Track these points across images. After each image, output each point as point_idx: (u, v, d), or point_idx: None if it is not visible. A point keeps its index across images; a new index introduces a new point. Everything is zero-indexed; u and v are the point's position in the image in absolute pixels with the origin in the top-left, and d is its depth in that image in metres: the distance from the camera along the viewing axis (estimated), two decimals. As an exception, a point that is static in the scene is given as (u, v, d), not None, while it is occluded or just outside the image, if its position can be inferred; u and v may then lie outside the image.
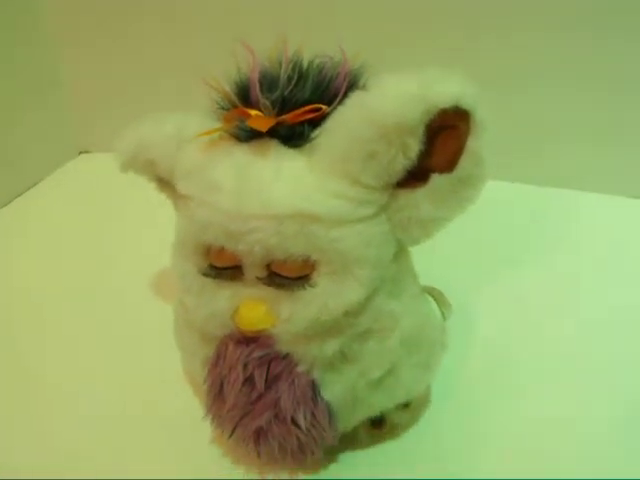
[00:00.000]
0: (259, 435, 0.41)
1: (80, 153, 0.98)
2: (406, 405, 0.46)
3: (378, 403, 0.42)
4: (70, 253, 0.73)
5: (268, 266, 0.38)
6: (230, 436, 0.42)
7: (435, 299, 0.49)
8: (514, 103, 0.74)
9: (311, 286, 0.38)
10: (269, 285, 0.39)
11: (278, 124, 0.37)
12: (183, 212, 0.41)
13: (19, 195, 0.87)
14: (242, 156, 0.38)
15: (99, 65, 0.89)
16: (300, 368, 0.40)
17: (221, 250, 0.38)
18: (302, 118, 0.37)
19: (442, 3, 0.73)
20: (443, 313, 0.49)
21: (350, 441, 0.46)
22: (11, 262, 0.73)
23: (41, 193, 0.88)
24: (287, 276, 0.38)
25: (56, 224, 0.80)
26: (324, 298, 0.38)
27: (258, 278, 0.39)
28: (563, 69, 0.73)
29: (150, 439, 0.48)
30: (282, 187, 0.36)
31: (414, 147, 0.35)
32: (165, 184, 0.47)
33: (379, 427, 0.46)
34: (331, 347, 0.39)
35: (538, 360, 0.54)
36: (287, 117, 0.37)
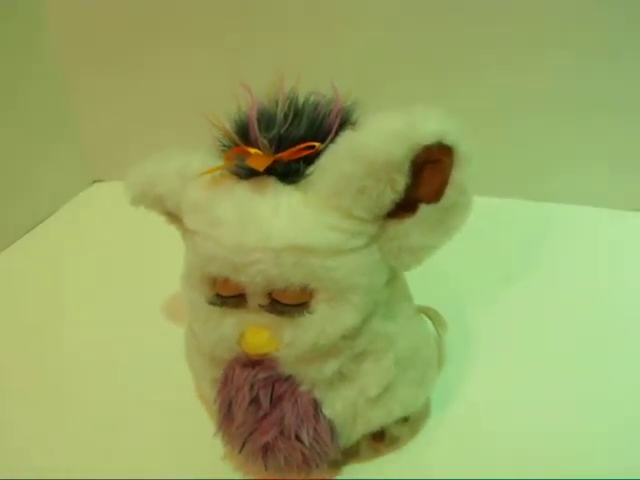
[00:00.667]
0: (266, 450, 0.43)
1: (94, 182, 1.00)
2: (405, 419, 0.49)
3: (377, 419, 0.45)
4: (86, 280, 0.76)
5: (269, 294, 0.41)
6: (240, 452, 0.44)
7: (430, 318, 0.51)
8: (510, 119, 0.76)
9: (310, 312, 0.40)
10: (271, 312, 0.41)
11: (275, 162, 0.40)
12: (190, 245, 0.44)
13: (36, 226, 0.88)
14: (242, 193, 0.41)
15: (110, 97, 0.91)
16: (302, 388, 0.43)
17: (226, 280, 0.41)
18: (297, 155, 0.40)
19: (431, 40, 0.75)
20: (438, 331, 0.51)
21: (353, 454, 0.48)
22: (28, 292, 0.75)
23: (57, 223, 0.90)
24: (287, 303, 0.41)
25: (72, 253, 0.82)
26: (322, 323, 0.40)
27: (261, 306, 0.41)
28: (557, 86, 0.75)
29: (165, 456, 0.51)
30: (280, 222, 0.39)
31: (401, 181, 0.38)
32: (174, 217, 0.50)
33: (380, 440, 0.49)
34: (330, 368, 0.42)
35: (536, 374, 0.55)
36: (284, 155, 0.40)
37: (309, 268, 0.39)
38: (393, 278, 0.44)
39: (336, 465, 0.48)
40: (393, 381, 0.44)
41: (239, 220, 0.40)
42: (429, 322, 0.51)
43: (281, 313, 0.41)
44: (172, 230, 0.53)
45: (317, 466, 0.44)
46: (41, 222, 0.89)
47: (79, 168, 0.96)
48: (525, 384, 0.55)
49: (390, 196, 0.38)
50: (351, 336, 0.42)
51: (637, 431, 0.50)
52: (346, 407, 0.43)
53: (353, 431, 0.45)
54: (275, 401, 0.43)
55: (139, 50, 0.87)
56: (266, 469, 0.44)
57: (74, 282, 0.76)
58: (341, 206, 0.39)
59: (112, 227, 0.85)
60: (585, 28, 0.72)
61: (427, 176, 0.39)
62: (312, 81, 0.43)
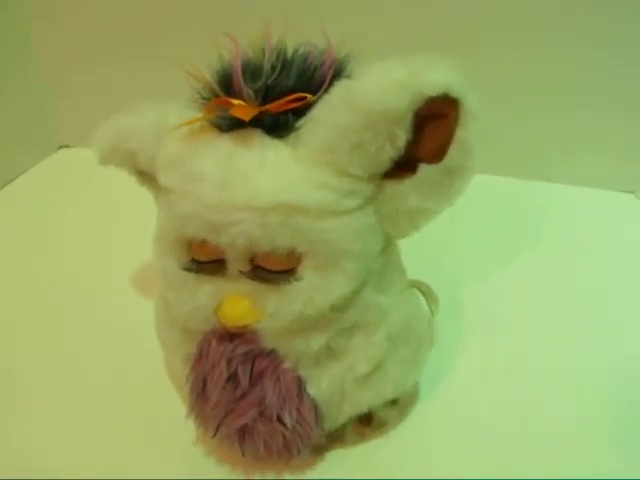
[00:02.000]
0: (244, 433, 0.40)
1: (60, 147, 0.96)
2: (394, 402, 0.45)
3: (365, 400, 0.41)
4: (50, 248, 0.72)
5: (252, 260, 0.37)
6: (214, 435, 0.41)
7: (423, 293, 0.48)
8: (507, 97, 0.73)
9: (296, 280, 0.37)
10: (253, 279, 0.37)
11: (262, 113, 0.36)
12: (164, 205, 0.40)
13: (-1, 189, 0.85)
14: (225, 146, 0.37)
15: (79, 58, 0.87)
16: (285, 364, 0.39)
17: (203, 243, 0.37)
18: (286, 107, 0.36)
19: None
20: (431, 308, 0.48)
21: (337, 439, 0.45)
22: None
23: (21, 187, 0.86)
24: (272, 270, 0.37)
25: (36, 219, 0.79)
26: (310, 292, 0.37)
27: (241, 272, 0.37)
28: (556, 66, 0.73)
29: (131, 439, 0.47)
30: (266, 178, 0.35)
31: (402, 136, 0.34)
32: (146, 177, 0.45)
33: (367, 424, 0.45)
34: (317, 342, 0.38)
35: (528, 355, 0.53)
36: (271, 106, 0.36)
37: (297, 229, 0.35)
38: (387, 246, 0.40)
39: (319, 450, 0.44)
40: (384, 359, 0.40)
41: (220, 175, 0.36)
42: (421, 297, 0.47)
43: (264, 280, 0.37)
44: (141, 197, 0.50)
45: (299, 451, 0.41)
46: (3, 187, 0.86)
47: (45, 133, 0.93)
48: (518, 365, 0.52)
49: (389, 152, 0.35)
50: (341, 307, 0.38)
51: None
52: (333, 386, 0.40)
53: (339, 413, 0.41)
54: (255, 379, 0.39)
55: (111, 9, 0.82)
56: (243, 454, 0.41)
57: (36, 251, 0.72)
58: (334, 162, 0.35)
59: (77, 194, 0.82)
60: (587, 13, 0.70)
61: (430, 132, 0.35)
62: (302, 32, 0.39)
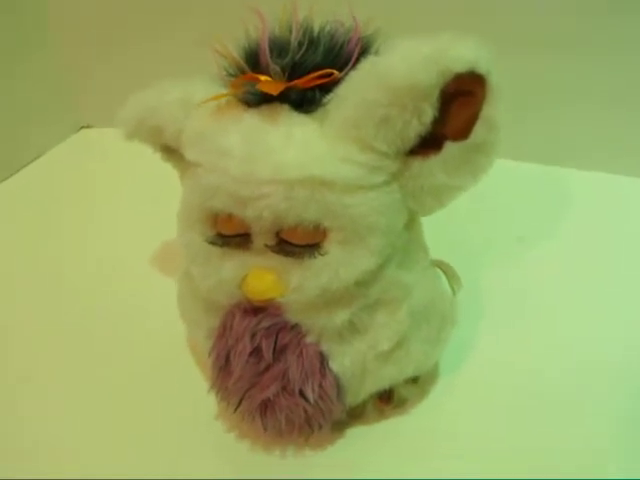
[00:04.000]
0: (266, 408, 0.40)
1: (81, 128, 0.97)
2: (414, 380, 0.46)
3: (387, 376, 0.42)
4: (72, 227, 0.72)
5: (277, 234, 0.37)
6: (236, 409, 0.41)
7: (445, 273, 0.48)
8: (529, 82, 0.73)
9: (322, 254, 0.37)
10: (278, 253, 0.38)
11: (289, 89, 0.36)
12: (190, 179, 0.40)
13: (20, 169, 0.86)
14: (252, 121, 0.37)
15: (100, 37, 0.87)
16: (309, 339, 0.39)
17: (229, 217, 0.38)
18: (313, 83, 0.36)
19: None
20: (452, 287, 0.48)
21: (357, 415, 0.45)
22: (12, 237, 0.72)
23: (42, 168, 0.87)
24: (297, 244, 0.37)
25: (58, 198, 0.79)
26: (335, 266, 0.37)
27: (267, 246, 0.38)
28: (569, 49, 0.72)
29: (153, 414, 0.47)
30: (293, 152, 0.35)
31: (428, 112, 0.34)
32: (171, 152, 0.46)
33: (387, 401, 0.45)
34: (340, 317, 0.39)
35: (549, 335, 0.53)
36: (298, 82, 0.36)
37: (324, 203, 0.35)
38: (411, 224, 0.40)
39: (339, 427, 0.44)
40: (406, 336, 0.40)
41: (247, 150, 0.36)
42: (443, 277, 0.47)
43: (289, 255, 0.37)
44: (163, 176, 0.50)
45: (320, 427, 0.41)
46: (25, 166, 0.87)
47: (66, 113, 0.93)
48: (537, 346, 0.52)
49: (416, 128, 0.35)
50: (365, 283, 0.38)
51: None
52: (355, 362, 0.40)
53: (361, 389, 0.41)
54: (278, 353, 0.39)
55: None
56: (264, 429, 0.41)
57: (59, 230, 0.72)
58: (361, 137, 0.35)
59: (99, 174, 0.82)
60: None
61: (456, 109, 0.35)
62: (328, 9, 0.39)
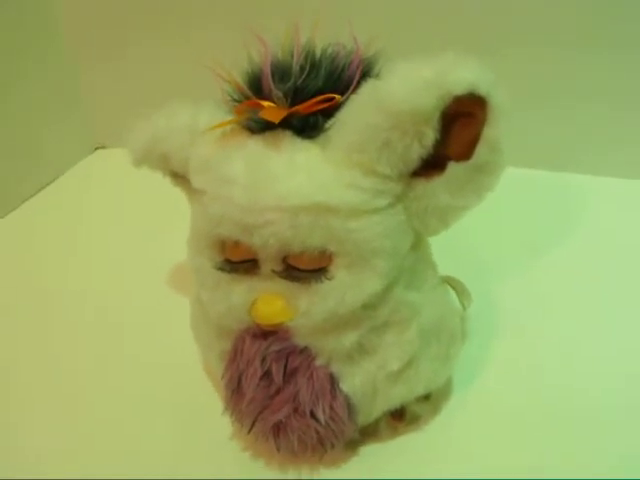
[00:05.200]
0: (278, 429, 0.40)
1: (96, 149, 0.98)
2: (427, 396, 0.46)
3: (398, 395, 0.42)
4: (89, 249, 0.73)
5: (284, 259, 0.38)
6: (249, 431, 0.41)
7: (454, 289, 0.48)
8: (533, 88, 0.73)
9: (328, 279, 0.37)
10: (285, 278, 0.38)
11: (291, 115, 0.36)
12: (197, 206, 0.41)
13: (37, 192, 0.86)
14: (255, 148, 0.37)
15: (113, 60, 0.89)
16: (318, 361, 0.39)
17: (236, 244, 0.38)
18: (315, 108, 0.37)
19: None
20: (463, 303, 0.48)
21: (371, 434, 0.45)
22: (31, 259, 0.73)
23: (59, 190, 0.88)
24: (304, 269, 0.38)
25: (74, 220, 0.80)
26: (342, 291, 0.37)
27: (274, 271, 0.38)
28: (579, 51, 0.71)
29: (169, 434, 0.48)
30: (296, 179, 0.36)
31: (429, 135, 0.34)
32: (180, 178, 0.46)
33: (400, 419, 0.45)
34: (349, 339, 0.39)
35: (562, 349, 0.52)
36: (300, 108, 0.37)
37: (328, 230, 0.36)
38: (418, 243, 0.41)
39: (353, 445, 0.44)
40: (416, 355, 0.41)
41: (251, 177, 0.37)
42: (453, 293, 0.47)
43: (296, 279, 0.38)
44: (177, 197, 0.50)
45: (332, 446, 0.41)
46: (42, 189, 0.87)
47: (81, 135, 0.94)
48: (552, 360, 0.51)
49: (417, 151, 0.35)
50: (372, 305, 0.38)
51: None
52: (365, 382, 0.40)
53: (372, 408, 0.42)
54: (289, 376, 0.40)
55: (142, 5, 0.83)
56: (278, 450, 0.41)
57: (76, 251, 0.73)
58: (363, 162, 0.35)
59: (114, 195, 0.83)
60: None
61: (457, 131, 0.35)
62: (330, 31, 0.39)
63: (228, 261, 0.40)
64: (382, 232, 0.37)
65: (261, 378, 0.40)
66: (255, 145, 0.38)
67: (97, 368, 0.55)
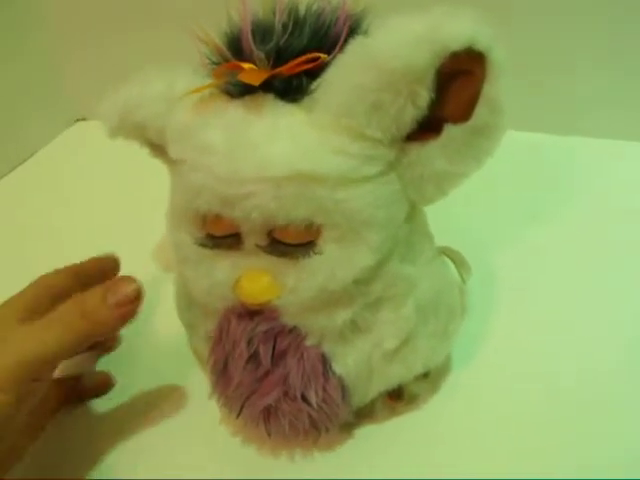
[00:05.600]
0: (268, 414, 0.38)
1: (77, 121, 0.95)
2: (425, 375, 0.43)
3: (395, 375, 0.39)
4: (70, 223, 0.71)
5: (269, 233, 0.35)
6: (238, 416, 0.39)
7: (453, 261, 0.45)
8: (534, 49, 0.70)
9: (317, 253, 0.35)
10: (271, 254, 0.36)
11: (273, 77, 0.33)
12: (176, 178, 0.38)
13: (18, 166, 0.84)
14: (234, 114, 0.34)
15: (92, 29, 0.85)
16: (309, 341, 0.37)
17: (217, 218, 0.35)
18: (299, 69, 0.34)
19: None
20: (462, 275, 0.46)
21: (366, 414, 0.43)
22: (11, 233, 0.70)
23: (39, 163, 0.86)
24: (290, 243, 0.35)
25: (55, 193, 0.78)
26: (331, 266, 0.35)
27: (259, 246, 0.36)
28: (578, 11, 0.68)
29: (155, 419, 0.46)
30: (279, 146, 0.33)
31: (424, 95, 0.31)
32: (158, 149, 0.43)
33: (397, 399, 0.43)
34: (341, 317, 0.36)
35: (564, 321, 0.50)
36: (283, 69, 0.33)
37: (315, 200, 0.33)
38: (413, 213, 0.38)
39: (348, 427, 0.42)
40: (413, 332, 0.38)
41: (231, 145, 0.34)
42: (451, 265, 0.45)
43: (283, 255, 0.35)
44: (161, 168, 0.47)
45: (327, 430, 0.39)
46: (22, 162, 0.85)
47: (61, 107, 0.92)
48: (553, 334, 0.49)
49: (411, 113, 0.32)
50: (365, 280, 0.36)
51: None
52: (360, 362, 0.38)
53: (368, 389, 0.39)
54: (277, 357, 0.37)
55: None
56: (269, 435, 0.39)
57: (56, 225, 0.71)
58: (352, 126, 0.33)
59: (96, 167, 0.80)
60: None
61: (454, 90, 0.32)
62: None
63: (210, 236, 0.37)
64: (373, 202, 0.34)
65: (248, 361, 0.37)
66: (235, 110, 0.35)
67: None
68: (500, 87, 0.32)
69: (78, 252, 0.64)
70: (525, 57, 0.66)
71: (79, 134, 0.92)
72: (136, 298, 0.38)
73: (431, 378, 0.44)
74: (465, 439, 0.42)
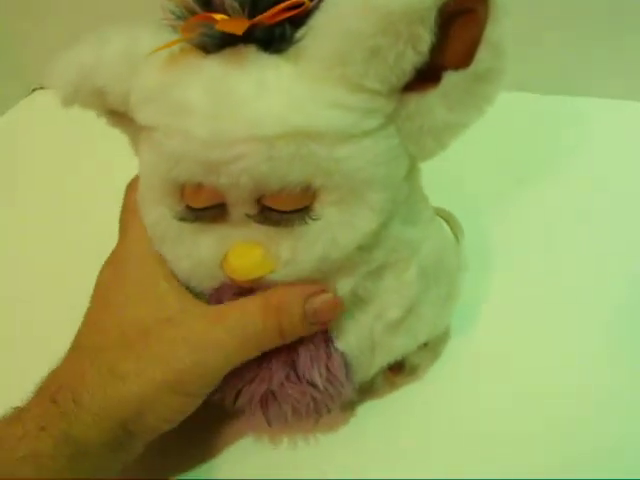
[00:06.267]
0: (267, 400, 0.35)
1: (34, 90, 0.90)
2: (425, 344, 0.41)
3: (400, 347, 0.37)
4: (29, 195, 0.67)
5: (259, 200, 0.31)
6: (234, 403, 0.36)
7: (447, 222, 0.43)
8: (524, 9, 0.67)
9: (314, 219, 0.31)
10: (262, 223, 0.32)
11: (253, 26, 0.30)
12: (147, 147, 0.34)
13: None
14: (214, 69, 0.31)
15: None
16: (308, 318, 0.34)
17: (198, 187, 0.32)
18: (283, 16, 0.30)
19: None
20: (457, 236, 0.43)
21: (367, 391, 0.40)
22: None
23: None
24: (283, 210, 0.31)
25: (13, 165, 0.74)
26: (331, 232, 0.32)
27: (248, 216, 0.32)
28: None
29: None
30: (269, 102, 0.29)
31: (425, 38, 0.28)
32: (118, 117, 0.38)
33: (397, 371, 0.40)
34: (342, 289, 0.34)
35: (560, 282, 0.48)
36: (263, 17, 0.30)
37: (312, 160, 0.30)
38: (411, 172, 0.35)
39: (349, 405, 0.40)
40: (417, 299, 0.36)
41: (213, 104, 0.30)
42: (446, 226, 0.42)
43: (276, 223, 0.32)
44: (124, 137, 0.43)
45: (329, 411, 0.37)
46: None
47: (16, 75, 0.87)
48: (550, 296, 0.47)
49: (411, 59, 0.29)
50: (368, 246, 0.33)
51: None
52: (362, 337, 0.35)
53: (371, 364, 0.37)
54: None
55: None
56: (269, 424, 0.36)
57: (15, 199, 0.68)
58: (347, 76, 0.29)
59: (55, 137, 0.76)
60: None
61: (455, 32, 0.29)
62: None
63: (190, 208, 0.33)
64: (374, 159, 0.31)
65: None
66: (213, 65, 0.31)
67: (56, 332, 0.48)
68: (503, 28, 0.29)
69: (37, 226, 0.61)
70: (520, 16, 0.64)
71: (36, 104, 0.87)
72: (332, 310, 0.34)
73: (431, 346, 0.42)
74: (468, 406, 0.41)
